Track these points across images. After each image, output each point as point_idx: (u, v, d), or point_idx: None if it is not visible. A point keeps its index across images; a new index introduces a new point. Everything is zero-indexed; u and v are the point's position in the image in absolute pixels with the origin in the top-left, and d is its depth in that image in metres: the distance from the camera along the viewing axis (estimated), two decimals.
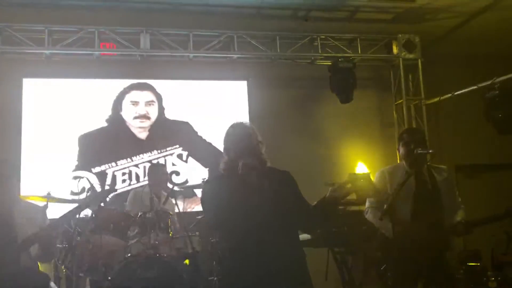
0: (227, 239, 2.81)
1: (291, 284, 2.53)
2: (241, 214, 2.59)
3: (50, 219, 3.47)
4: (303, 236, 4.96)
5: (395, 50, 6.95)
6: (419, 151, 3.41)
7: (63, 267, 4.46)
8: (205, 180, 4.85)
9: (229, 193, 2.65)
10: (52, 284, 1.26)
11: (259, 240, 2.55)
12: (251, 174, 2.66)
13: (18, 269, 2.26)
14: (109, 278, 4.19)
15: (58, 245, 4.56)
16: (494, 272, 6.04)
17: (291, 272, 2.55)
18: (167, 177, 5.53)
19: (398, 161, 4.10)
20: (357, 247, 4.95)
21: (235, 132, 2.79)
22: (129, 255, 4.44)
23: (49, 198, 4.15)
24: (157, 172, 5.39)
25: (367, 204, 3.65)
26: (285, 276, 2.50)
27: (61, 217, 3.30)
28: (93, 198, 3.42)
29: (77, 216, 4.26)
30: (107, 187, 6.22)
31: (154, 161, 6.32)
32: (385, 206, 3.19)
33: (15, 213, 3.29)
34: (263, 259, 2.53)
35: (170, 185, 5.19)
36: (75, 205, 4.27)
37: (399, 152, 3.67)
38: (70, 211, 3.29)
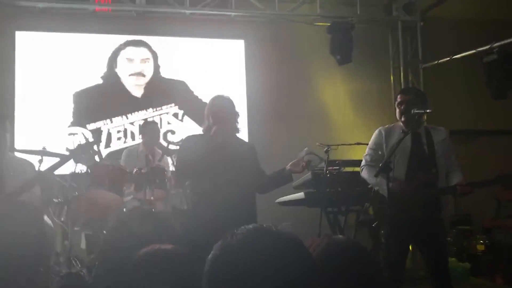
0: (195, 187, 3.44)
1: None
2: (209, 167, 3.19)
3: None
4: (297, 195, 5.02)
5: (394, 12, 6.86)
6: (415, 111, 3.41)
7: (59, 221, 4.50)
8: None
9: (202, 149, 3.25)
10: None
11: (221, 192, 3.16)
12: (222, 137, 3.27)
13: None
14: (104, 232, 4.24)
15: (53, 199, 4.59)
16: (483, 236, 6.17)
17: (244, 220, 2.96)
18: (159, 134, 5.52)
19: None
20: (350, 208, 5.01)
21: (214, 103, 3.38)
22: (124, 210, 4.47)
23: (44, 152, 4.11)
24: (150, 129, 5.39)
25: (363, 162, 3.66)
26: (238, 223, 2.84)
27: (51, 166, 3.32)
28: (80, 149, 3.39)
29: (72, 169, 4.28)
30: (102, 144, 6.21)
31: (150, 119, 6.29)
32: (380, 164, 3.22)
33: (3, 165, 3.31)
34: (222, 205, 3.11)
35: (165, 143, 5.18)
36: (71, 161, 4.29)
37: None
38: (58, 162, 3.32)
